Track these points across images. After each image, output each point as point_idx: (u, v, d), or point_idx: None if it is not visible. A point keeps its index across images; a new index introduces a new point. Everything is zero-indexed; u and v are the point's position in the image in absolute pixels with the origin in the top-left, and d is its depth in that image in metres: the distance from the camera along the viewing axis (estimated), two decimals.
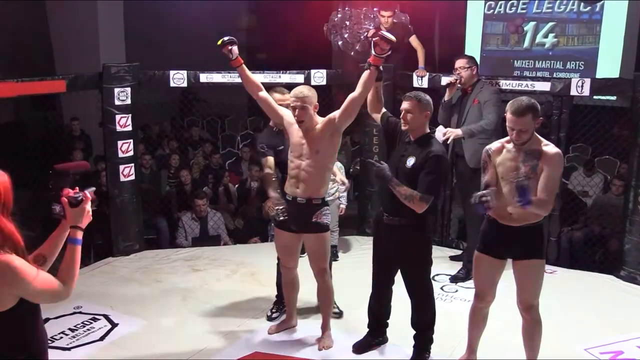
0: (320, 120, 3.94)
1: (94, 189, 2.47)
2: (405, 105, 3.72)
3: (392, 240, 3.79)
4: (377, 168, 3.70)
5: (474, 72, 5.29)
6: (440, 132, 5.08)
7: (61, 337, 4.30)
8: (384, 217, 3.82)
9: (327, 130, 3.88)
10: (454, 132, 5.04)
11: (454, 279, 5.36)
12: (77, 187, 2.43)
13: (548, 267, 5.38)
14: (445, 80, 5.55)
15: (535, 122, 3.40)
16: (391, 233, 3.78)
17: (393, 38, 3.63)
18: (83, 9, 8.89)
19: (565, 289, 5.19)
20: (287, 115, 4.02)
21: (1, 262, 2.11)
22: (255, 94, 4.05)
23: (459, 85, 5.30)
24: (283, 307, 4.56)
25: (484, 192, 3.41)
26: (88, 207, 2.41)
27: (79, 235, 2.35)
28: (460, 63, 5.30)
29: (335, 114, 3.90)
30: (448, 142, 5.06)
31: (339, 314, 4.60)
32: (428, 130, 3.78)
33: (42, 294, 2.21)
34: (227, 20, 10.91)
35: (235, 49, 3.94)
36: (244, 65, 3.99)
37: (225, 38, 3.93)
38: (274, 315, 4.62)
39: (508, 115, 3.42)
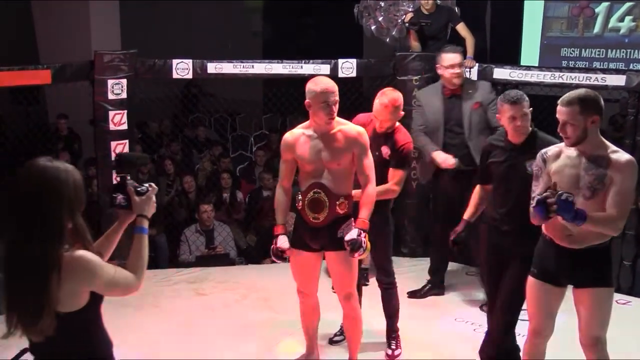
0: (336, 124, 3.98)
1: (152, 184, 2.78)
2: (512, 111, 3.84)
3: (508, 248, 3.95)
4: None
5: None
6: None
7: None
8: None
9: (349, 149, 3.94)
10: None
11: (414, 294, 5.49)
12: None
13: (620, 297, 5.37)
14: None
15: (587, 119, 3.35)
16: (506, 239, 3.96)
17: (364, 247, 3.78)
18: None
19: None
20: (288, 143, 4.04)
21: (77, 257, 2.38)
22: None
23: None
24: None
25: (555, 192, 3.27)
26: (153, 197, 2.73)
27: (146, 224, 2.67)
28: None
29: (359, 147, 3.94)
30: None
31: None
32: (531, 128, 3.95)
33: (115, 287, 2.50)
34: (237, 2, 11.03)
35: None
36: None
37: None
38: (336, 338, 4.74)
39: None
